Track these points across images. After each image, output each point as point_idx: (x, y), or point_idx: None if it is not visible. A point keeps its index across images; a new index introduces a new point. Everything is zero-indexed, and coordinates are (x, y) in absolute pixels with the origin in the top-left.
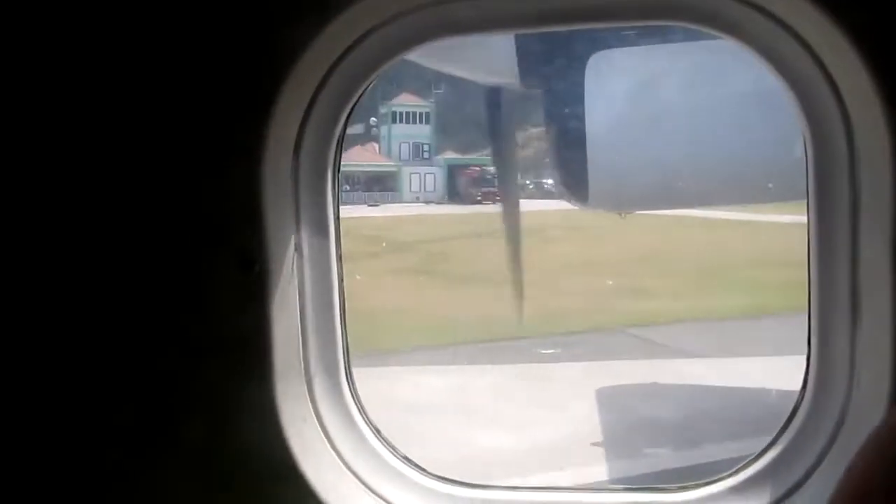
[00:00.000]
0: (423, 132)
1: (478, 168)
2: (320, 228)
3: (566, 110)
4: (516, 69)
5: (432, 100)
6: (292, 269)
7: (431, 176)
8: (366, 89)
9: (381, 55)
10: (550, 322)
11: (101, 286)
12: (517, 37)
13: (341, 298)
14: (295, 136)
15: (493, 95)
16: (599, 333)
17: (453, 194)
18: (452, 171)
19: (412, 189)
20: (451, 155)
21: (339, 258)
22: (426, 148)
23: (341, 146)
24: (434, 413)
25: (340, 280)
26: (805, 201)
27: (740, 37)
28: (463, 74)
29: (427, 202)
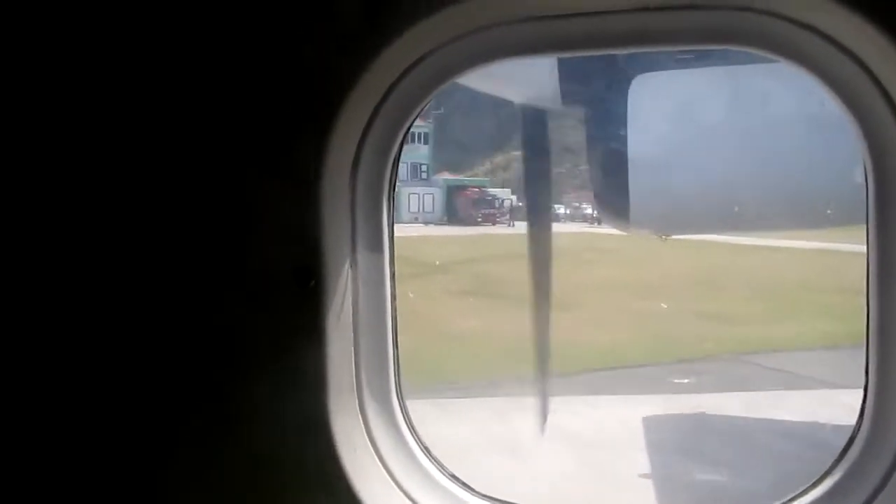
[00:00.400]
0: (421, 152)
1: (477, 189)
2: (375, 246)
3: (608, 131)
4: (558, 89)
5: (431, 120)
6: (347, 284)
7: (430, 196)
8: (421, 110)
9: (436, 78)
10: (652, 349)
11: (163, 298)
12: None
13: (393, 315)
14: (353, 156)
15: (531, 115)
16: (716, 361)
17: (452, 215)
18: (451, 192)
19: (411, 209)
20: (447, 175)
21: (393, 276)
22: (424, 168)
23: (397, 166)
24: (633, 450)
25: (393, 297)
26: (863, 226)
27: (799, 61)
28: (499, 94)
29: (426, 223)
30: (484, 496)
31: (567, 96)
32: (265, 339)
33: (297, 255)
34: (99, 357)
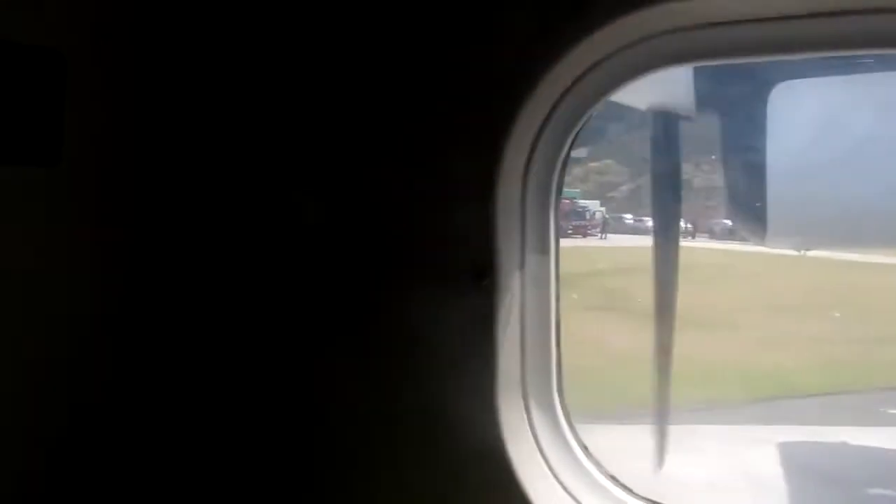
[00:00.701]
0: None
1: (567, 201)
2: (542, 248)
3: (745, 140)
4: (692, 95)
5: None
6: (517, 284)
7: None
8: (589, 118)
9: (607, 85)
10: (841, 374)
11: (347, 294)
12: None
13: (557, 317)
14: (525, 160)
15: (662, 122)
16: None
17: None
18: None
19: None
20: None
21: (558, 278)
22: None
23: (564, 172)
24: None
25: (557, 299)
26: None
27: None
28: (624, 100)
29: None
30: (643, 498)
31: (702, 102)
32: (440, 334)
33: (473, 253)
34: (289, 352)
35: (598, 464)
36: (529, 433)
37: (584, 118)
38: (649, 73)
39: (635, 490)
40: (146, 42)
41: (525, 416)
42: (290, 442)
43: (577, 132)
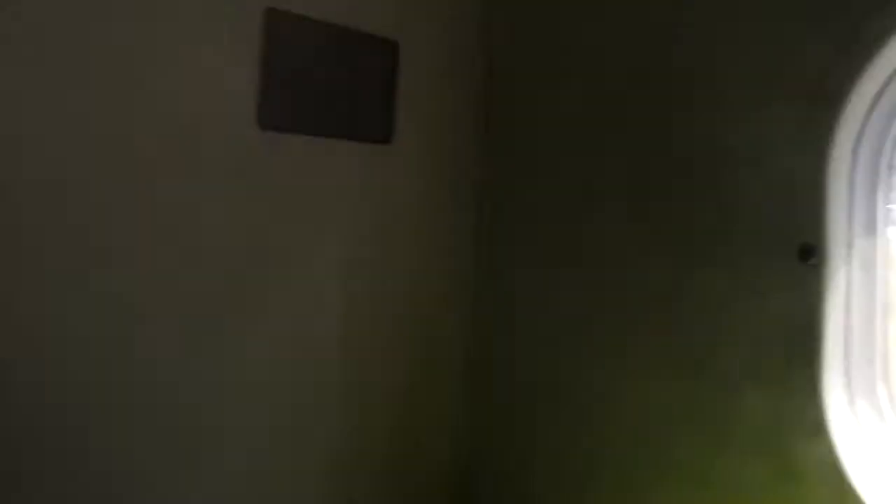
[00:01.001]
0: None
1: None
2: (870, 231)
3: None
4: None
5: None
6: (844, 266)
7: None
8: None
9: None
10: None
11: (670, 269)
12: None
13: (884, 303)
14: (854, 138)
15: None
16: None
17: None
18: None
19: None
20: None
21: (886, 261)
22: None
23: (894, 153)
24: None
25: (885, 285)
26: None
27: None
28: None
29: None
30: None
31: None
32: (764, 311)
33: (802, 232)
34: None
35: None
36: (853, 418)
37: None
38: None
39: None
40: (471, 30)
41: (848, 400)
42: (584, 422)
43: None
